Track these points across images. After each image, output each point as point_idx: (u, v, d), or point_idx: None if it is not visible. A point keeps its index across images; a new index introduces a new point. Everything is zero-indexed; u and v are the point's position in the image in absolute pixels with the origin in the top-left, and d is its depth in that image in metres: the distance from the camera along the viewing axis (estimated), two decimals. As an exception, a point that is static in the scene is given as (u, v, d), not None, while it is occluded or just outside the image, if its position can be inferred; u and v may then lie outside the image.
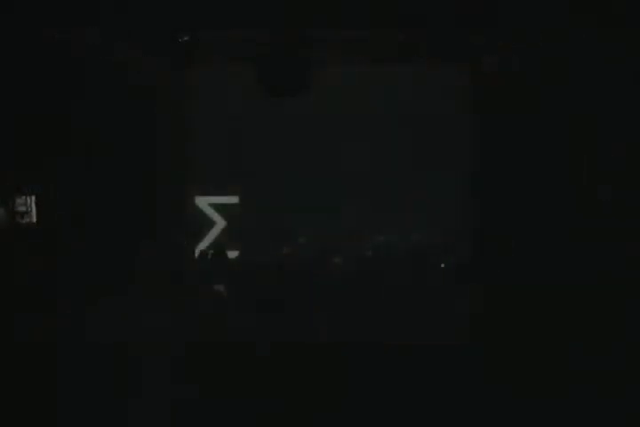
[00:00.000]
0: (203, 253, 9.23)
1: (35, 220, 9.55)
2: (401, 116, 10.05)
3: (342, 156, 10.02)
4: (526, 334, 7.32)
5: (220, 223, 10.28)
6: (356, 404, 6.20)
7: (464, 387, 6.36)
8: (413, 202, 9.98)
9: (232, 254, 9.82)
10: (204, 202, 10.30)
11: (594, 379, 6.34)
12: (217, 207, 10.31)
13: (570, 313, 7.61)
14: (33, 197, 9.50)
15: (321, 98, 9.90)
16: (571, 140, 9.33)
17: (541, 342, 7.16)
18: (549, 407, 6.02)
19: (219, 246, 9.21)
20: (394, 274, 8.50)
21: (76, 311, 7.75)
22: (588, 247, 8.78)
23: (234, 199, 10.30)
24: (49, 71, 9.26)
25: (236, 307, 7.82)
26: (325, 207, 9.91)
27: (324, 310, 7.78)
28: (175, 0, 9.29)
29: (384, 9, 9.49)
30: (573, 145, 9.33)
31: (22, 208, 9.44)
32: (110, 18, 9.03)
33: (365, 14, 9.52)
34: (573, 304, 7.71)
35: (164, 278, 8.25)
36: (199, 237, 10.23)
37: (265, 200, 10.07)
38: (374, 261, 9.01)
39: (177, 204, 10.03)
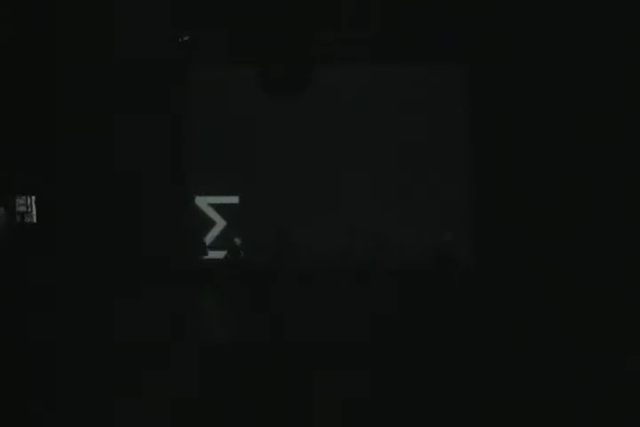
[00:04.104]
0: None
1: (35, 220, 9.56)
2: (401, 116, 10.05)
3: (342, 156, 10.02)
4: (529, 334, 7.33)
5: (220, 223, 10.28)
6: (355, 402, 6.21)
7: (464, 387, 6.36)
8: (413, 202, 9.97)
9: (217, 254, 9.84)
10: (203, 202, 10.30)
11: (595, 381, 6.34)
12: (217, 207, 10.30)
13: (572, 314, 7.62)
14: (33, 197, 9.52)
15: (321, 98, 9.91)
16: (571, 140, 9.35)
17: (542, 342, 7.16)
18: (550, 408, 6.01)
19: (233, 246, 9.22)
20: (394, 274, 8.51)
21: (77, 311, 7.76)
22: (589, 248, 8.80)
23: (234, 199, 10.29)
24: (49, 72, 9.27)
25: (236, 307, 7.82)
26: (325, 207, 9.90)
27: (324, 310, 7.79)
28: (175, 0, 9.32)
29: (384, 9, 9.51)
30: (573, 145, 9.35)
31: (22, 208, 9.46)
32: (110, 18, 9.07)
33: (365, 14, 9.54)
34: (575, 305, 7.71)
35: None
36: (199, 236, 10.22)
37: (265, 200, 10.07)
38: (374, 261, 9.01)
39: (177, 204, 10.02)
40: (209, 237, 10.16)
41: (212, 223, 10.29)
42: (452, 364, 6.77)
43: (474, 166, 9.97)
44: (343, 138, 10.02)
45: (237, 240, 9.33)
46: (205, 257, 9.84)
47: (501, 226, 9.30)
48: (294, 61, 9.70)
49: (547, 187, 9.41)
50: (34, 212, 9.46)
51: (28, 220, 9.41)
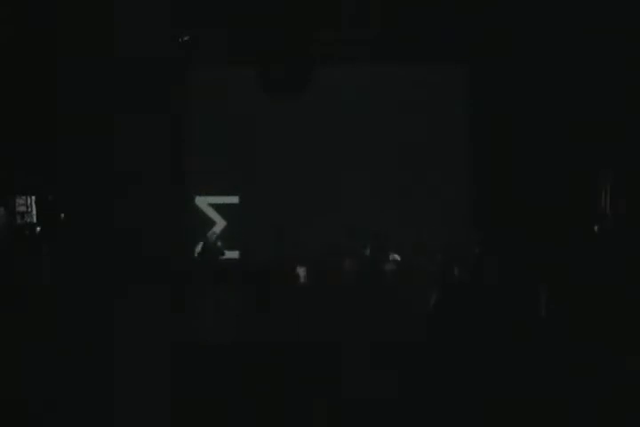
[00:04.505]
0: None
1: (35, 220, 9.56)
2: (401, 116, 10.05)
3: (342, 156, 10.02)
4: (529, 334, 7.33)
5: (220, 223, 10.29)
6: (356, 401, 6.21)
7: (464, 387, 6.36)
8: (413, 202, 9.98)
9: (232, 254, 9.84)
10: (203, 202, 10.30)
11: (595, 381, 6.34)
12: (217, 207, 10.31)
13: (572, 314, 7.62)
14: (33, 197, 9.52)
15: (321, 98, 9.91)
16: (571, 140, 9.35)
17: (542, 342, 7.16)
18: (550, 408, 6.02)
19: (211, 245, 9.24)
20: (393, 275, 8.50)
21: (77, 311, 7.75)
22: (589, 248, 8.79)
23: (234, 199, 10.30)
24: (49, 72, 9.26)
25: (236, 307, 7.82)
26: (325, 207, 9.90)
27: (324, 310, 7.79)
28: (175, 0, 9.30)
29: (384, 9, 9.51)
30: (573, 145, 9.36)
31: (22, 208, 9.46)
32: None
33: (365, 14, 9.54)
34: (575, 305, 7.71)
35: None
36: (199, 237, 10.23)
37: (265, 200, 10.07)
38: (375, 262, 9.00)
39: (177, 204, 10.02)
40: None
41: (212, 223, 10.29)
42: (451, 363, 6.77)
43: (474, 166, 9.97)
44: (343, 138, 10.03)
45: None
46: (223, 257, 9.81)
47: (501, 226, 9.30)
48: (294, 61, 9.70)
49: (547, 187, 9.41)
50: (34, 212, 9.46)
51: (27, 220, 9.41)
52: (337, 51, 9.71)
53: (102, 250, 9.10)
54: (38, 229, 9.50)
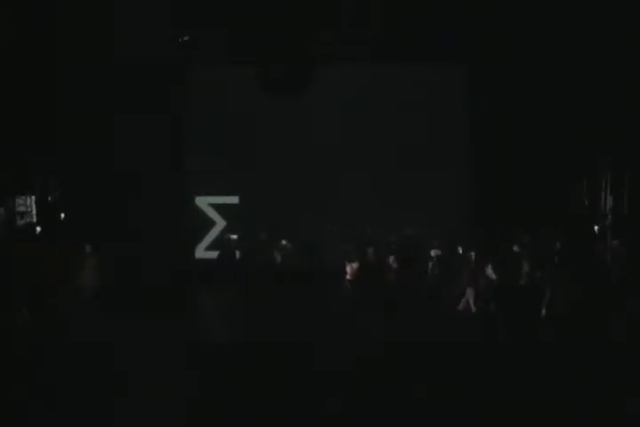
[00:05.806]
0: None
1: (35, 220, 9.56)
2: (401, 116, 10.06)
3: (342, 155, 10.02)
4: (529, 334, 7.34)
5: (220, 223, 10.29)
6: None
7: (464, 387, 6.36)
8: (413, 202, 9.98)
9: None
10: (204, 202, 10.31)
11: (595, 381, 6.34)
12: (217, 207, 10.31)
13: (572, 314, 7.62)
14: (33, 197, 9.52)
15: (321, 98, 9.91)
16: (571, 140, 9.36)
17: (543, 342, 7.17)
18: (550, 408, 6.02)
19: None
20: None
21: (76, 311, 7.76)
22: (589, 248, 8.80)
23: (234, 199, 10.30)
24: (49, 72, 9.27)
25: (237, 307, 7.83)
26: (325, 207, 9.90)
27: (324, 310, 7.79)
28: (175, 0, 9.32)
29: (384, 9, 9.52)
30: (573, 145, 9.36)
31: (22, 208, 9.45)
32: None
33: (365, 14, 9.54)
34: (575, 305, 7.71)
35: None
36: (199, 237, 10.24)
37: (265, 200, 10.07)
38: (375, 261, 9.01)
39: (177, 204, 10.03)
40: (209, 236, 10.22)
41: (212, 223, 10.29)
42: (452, 363, 6.77)
43: (474, 166, 9.97)
44: (343, 138, 10.03)
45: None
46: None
47: (501, 226, 9.30)
48: (294, 61, 9.71)
49: (547, 187, 9.41)
50: (34, 212, 9.45)
51: (27, 220, 9.41)
52: (337, 51, 9.71)
53: (102, 250, 9.13)
54: (38, 228, 9.51)
